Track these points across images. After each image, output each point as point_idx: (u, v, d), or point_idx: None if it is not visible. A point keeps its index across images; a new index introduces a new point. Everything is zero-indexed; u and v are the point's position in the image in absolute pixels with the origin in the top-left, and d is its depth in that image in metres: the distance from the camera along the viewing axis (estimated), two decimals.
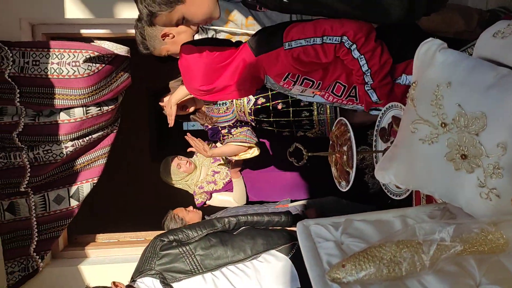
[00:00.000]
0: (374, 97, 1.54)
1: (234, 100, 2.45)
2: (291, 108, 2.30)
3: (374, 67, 1.47)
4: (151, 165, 4.33)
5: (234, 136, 2.44)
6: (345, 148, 1.44)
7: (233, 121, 2.52)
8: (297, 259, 2.12)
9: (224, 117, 2.57)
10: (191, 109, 2.47)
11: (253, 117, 2.40)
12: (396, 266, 0.95)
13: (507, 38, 0.99)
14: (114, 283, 2.03)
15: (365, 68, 1.48)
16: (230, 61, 1.54)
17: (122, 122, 2.86)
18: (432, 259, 0.94)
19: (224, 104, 2.51)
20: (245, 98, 2.41)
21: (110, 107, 2.70)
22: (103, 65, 2.57)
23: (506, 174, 0.93)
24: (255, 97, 2.36)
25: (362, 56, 1.45)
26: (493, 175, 0.94)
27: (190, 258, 2.10)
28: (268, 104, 2.33)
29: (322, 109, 2.31)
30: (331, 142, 1.56)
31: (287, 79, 1.55)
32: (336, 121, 1.55)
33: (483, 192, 0.97)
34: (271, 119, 2.33)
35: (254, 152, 2.37)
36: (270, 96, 2.33)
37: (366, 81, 1.51)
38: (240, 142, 2.38)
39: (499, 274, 0.93)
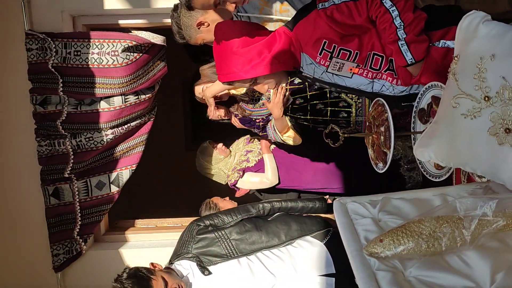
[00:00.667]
0: (408, 56, 1.46)
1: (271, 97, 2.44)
2: (329, 108, 2.27)
3: (407, 19, 1.42)
4: (186, 154, 4.42)
5: None
6: (382, 128, 1.42)
7: (266, 116, 2.53)
8: (332, 245, 2.13)
9: (258, 112, 2.57)
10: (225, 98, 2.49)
11: (290, 114, 2.39)
12: (435, 241, 0.94)
13: None
14: (152, 264, 2.11)
15: (397, 21, 1.43)
16: (267, 34, 1.55)
17: (158, 111, 2.93)
18: (473, 235, 0.92)
19: (261, 100, 2.51)
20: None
21: (147, 95, 2.76)
22: (141, 54, 2.63)
23: None
24: (293, 97, 2.34)
25: (394, 8, 1.42)
26: None
27: (225, 242, 2.15)
28: (306, 104, 2.30)
29: (361, 111, 2.25)
30: (367, 124, 1.54)
31: (323, 50, 1.53)
32: (373, 102, 1.53)
33: None
34: (308, 117, 2.30)
35: (297, 140, 2.36)
36: (308, 97, 2.30)
37: (399, 36, 1.44)
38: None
39: None
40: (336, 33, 1.50)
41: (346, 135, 1.44)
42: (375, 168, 1.51)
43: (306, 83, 2.20)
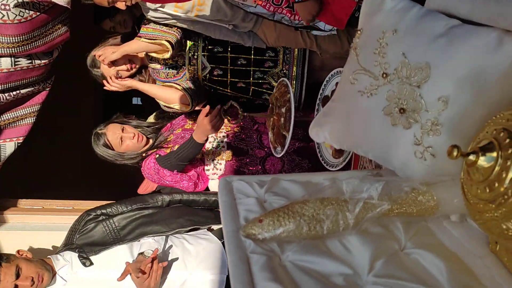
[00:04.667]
0: None
1: (186, 63, 2.27)
2: (251, 87, 2.15)
3: None
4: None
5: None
6: (283, 109, 1.33)
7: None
8: None
9: (172, 83, 2.39)
10: (137, 65, 2.26)
11: (207, 83, 2.24)
12: (317, 224, 0.85)
13: None
14: (18, 251, 1.91)
15: None
16: None
17: (63, 84, 2.63)
18: (357, 218, 0.84)
19: (174, 69, 2.34)
20: (200, 63, 2.25)
21: (43, 61, 2.45)
22: (38, 13, 2.32)
23: (444, 132, 0.85)
24: (211, 65, 2.20)
25: None
26: (431, 132, 0.86)
27: (111, 230, 2.03)
28: (226, 79, 2.17)
29: (288, 56, 2.17)
30: (270, 105, 1.45)
31: None
32: (278, 82, 1.43)
33: (418, 151, 0.88)
34: (228, 92, 2.18)
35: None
36: (228, 72, 2.16)
37: None
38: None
39: (425, 239, 0.85)
40: None
41: (245, 114, 1.33)
42: (273, 152, 1.41)
43: (228, 54, 2.07)
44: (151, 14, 2.20)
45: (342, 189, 0.88)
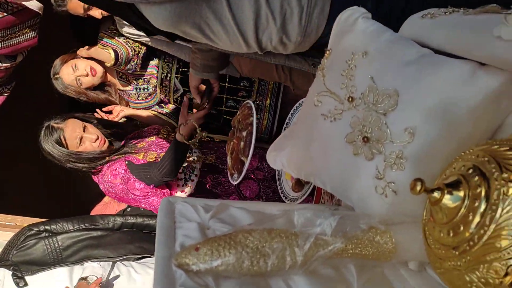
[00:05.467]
0: None
1: (158, 84, 2.18)
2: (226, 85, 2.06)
3: None
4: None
5: None
6: (244, 133, 1.24)
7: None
8: None
9: (144, 104, 2.29)
10: (98, 74, 2.13)
11: (178, 106, 2.14)
12: (261, 258, 0.74)
13: (436, 18, 0.86)
14: None
15: None
16: None
17: (24, 92, 2.49)
18: (306, 256, 0.74)
19: (146, 90, 2.24)
20: (172, 85, 2.15)
21: (4, 64, 2.32)
22: (5, 13, 2.22)
23: (408, 166, 0.77)
24: (184, 88, 2.11)
25: None
26: (394, 166, 0.78)
27: (53, 250, 1.84)
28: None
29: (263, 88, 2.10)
30: (232, 128, 1.35)
31: None
32: (242, 104, 1.35)
33: (379, 186, 0.80)
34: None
35: None
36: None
37: None
38: None
39: (381, 287, 0.75)
40: None
41: (204, 134, 1.23)
42: (230, 179, 1.31)
43: None
44: (126, 30, 2.13)
45: (293, 219, 0.78)
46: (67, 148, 1.78)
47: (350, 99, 0.84)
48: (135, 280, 1.85)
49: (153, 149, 1.80)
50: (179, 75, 2.15)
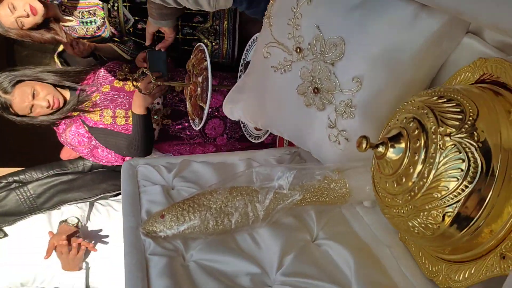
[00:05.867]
0: None
1: (105, 15, 2.02)
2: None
3: None
4: None
5: None
6: (200, 79, 1.22)
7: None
8: None
9: (93, 39, 2.15)
10: (40, 11, 1.96)
11: (133, 38, 2.02)
12: (225, 217, 0.78)
13: None
14: None
15: None
16: None
17: None
18: (267, 210, 0.78)
19: (94, 23, 2.08)
20: (122, 14, 2.00)
21: None
22: None
23: (358, 114, 0.79)
24: (135, 17, 1.97)
25: None
26: (345, 114, 0.80)
27: (26, 199, 1.86)
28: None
29: (217, 53, 2.00)
30: (187, 73, 1.32)
31: None
32: (194, 47, 1.31)
33: (332, 134, 0.82)
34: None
35: None
36: None
37: None
38: None
39: (338, 227, 0.82)
40: None
41: (159, 83, 1.20)
42: (192, 124, 1.31)
43: None
44: None
45: (252, 177, 0.81)
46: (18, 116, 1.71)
47: (298, 50, 0.83)
48: (114, 218, 1.90)
49: (108, 105, 1.72)
50: (127, 3, 2.01)
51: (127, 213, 0.83)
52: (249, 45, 1.39)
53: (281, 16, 0.87)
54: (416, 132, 0.63)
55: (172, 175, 0.93)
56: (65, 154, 2.36)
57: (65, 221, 1.80)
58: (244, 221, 0.79)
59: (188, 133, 1.64)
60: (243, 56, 1.43)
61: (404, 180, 0.64)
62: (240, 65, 1.45)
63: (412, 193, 0.62)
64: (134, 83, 1.25)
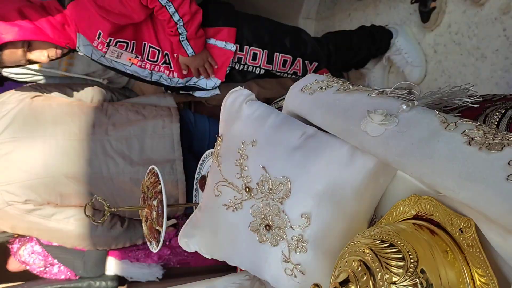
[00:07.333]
0: (189, 50, 1.57)
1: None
2: None
3: (186, 16, 1.48)
4: None
5: None
6: (155, 202, 1.23)
7: None
8: None
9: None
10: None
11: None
12: None
13: (314, 94, 0.90)
14: None
15: (176, 17, 1.48)
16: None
17: None
18: None
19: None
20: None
21: None
22: None
23: (310, 248, 0.83)
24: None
25: (170, 4, 1.45)
26: (297, 249, 0.83)
27: None
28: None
29: None
30: (142, 195, 1.33)
31: (100, 38, 1.53)
32: (148, 169, 1.33)
33: (288, 268, 0.85)
34: None
35: None
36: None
37: (180, 32, 1.52)
38: None
39: None
40: (109, 23, 1.48)
41: (112, 210, 1.19)
42: (149, 247, 1.30)
43: None
44: (7, 70, 1.96)
45: None
46: None
47: (247, 189, 0.87)
48: None
49: None
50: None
51: None
52: (203, 159, 1.43)
53: (228, 157, 0.92)
54: (365, 277, 0.67)
55: None
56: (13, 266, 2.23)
57: None
58: None
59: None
60: (197, 170, 1.46)
61: None
62: (195, 179, 1.48)
63: None
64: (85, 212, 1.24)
